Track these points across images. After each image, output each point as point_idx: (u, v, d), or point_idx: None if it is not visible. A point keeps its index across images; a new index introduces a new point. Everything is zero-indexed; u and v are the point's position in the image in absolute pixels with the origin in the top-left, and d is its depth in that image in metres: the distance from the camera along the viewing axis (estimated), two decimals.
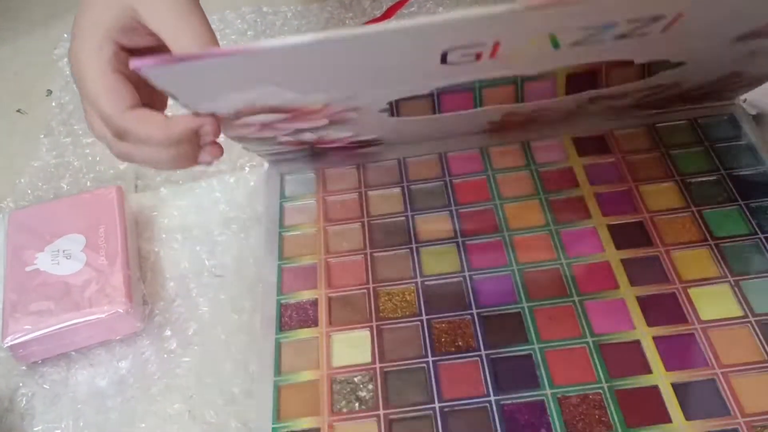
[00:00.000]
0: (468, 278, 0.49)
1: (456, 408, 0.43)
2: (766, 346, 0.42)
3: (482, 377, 0.44)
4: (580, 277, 0.48)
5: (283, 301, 0.50)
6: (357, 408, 0.43)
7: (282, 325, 0.48)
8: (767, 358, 0.42)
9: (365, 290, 0.49)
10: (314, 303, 0.49)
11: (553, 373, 0.43)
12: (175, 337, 0.49)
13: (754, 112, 0.57)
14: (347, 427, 0.43)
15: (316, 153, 0.58)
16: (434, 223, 0.53)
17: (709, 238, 0.49)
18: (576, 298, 0.47)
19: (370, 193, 0.56)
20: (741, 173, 0.52)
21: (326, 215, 0.55)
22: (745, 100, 0.58)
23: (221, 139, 0.44)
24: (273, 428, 0.43)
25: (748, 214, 0.50)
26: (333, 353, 0.46)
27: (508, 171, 0.56)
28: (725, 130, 0.56)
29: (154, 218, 0.58)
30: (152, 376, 0.48)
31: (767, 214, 0.49)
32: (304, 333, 0.48)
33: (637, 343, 0.44)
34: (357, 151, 0.57)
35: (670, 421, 0.40)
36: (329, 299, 0.49)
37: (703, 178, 0.53)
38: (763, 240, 0.48)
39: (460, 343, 0.46)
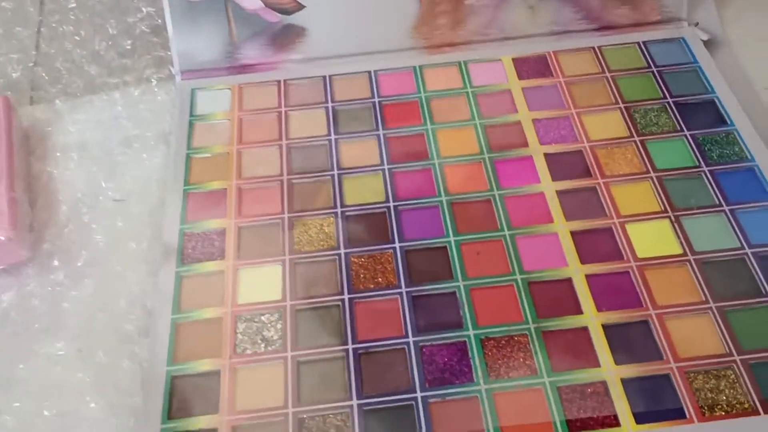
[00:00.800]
0: (393, 209, 0.45)
1: (371, 350, 0.39)
2: (704, 286, 0.40)
3: (401, 317, 0.40)
4: (513, 210, 0.44)
5: (186, 230, 0.45)
6: (262, 349, 0.39)
7: (184, 257, 0.43)
8: (704, 299, 0.39)
9: (279, 220, 0.45)
10: (221, 233, 0.44)
11: (477, 312, 0.40)
12: (63, 268, 0.44)
13: (705, 38, 0.53)
14: (251, 370, 0.39)
15: (234, 60, 0.52)
16: (359, 149, 0.49)
17: (650, 170, 0.45)
18: (507, 233, 0.43)
19: (290, 113, 0.51)
20: (689, 101, 0.49)
21: (240, 136, 0.49)
22: (697, 24, 0.54)
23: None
24: (168, 371, 0.38)
25: (693, 145, 0.46)
26: (239, 289, 0.42)
27: (442, 93, 0.51)
28: (674, 55, 0.52)
29: (48, 134, 0.52)
30: (36, 311, 0.43)
31: (713, 146, 0.46)
32: (209, 266, 0.43)
33: (569, 281, 0.41)
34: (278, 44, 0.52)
35: (598, 365, 0.37)
36: (238, 229, 0.44)
37: (649, 106, 0.49)
38: (707, 173, 0.45)
39: (380, 279, 0.42)
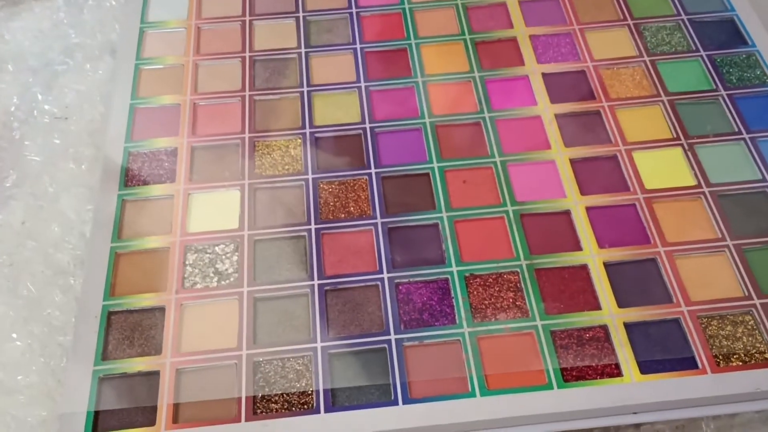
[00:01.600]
0: (369, 131, 0.39)
1: (339, 286, 0.34)
2: (720, 222, 0.35)
3: (375, 250, 0.35)
4: (505, 135, 0.39)
5: (132, 150, 0.39)
6: (215, 284, 0.34)
7: (128, 179, 0.38)
8: (720, 236, 0.35)
9: (239, 141, 0.39)
10: (172, 153, 0.39)
11: (462, 247, 0.35)
12: None
13: None
14: (200, 307, 0.33)
15: None
16: (333, 64, 0.43)
17: (662, 94, 0.40)
18: (498, 159, 0.38)
19: (256, 23, 0.45)
20: (705, 18, 0.43)
21: (197, 47, 0.43)
22: None
23: None
24: (104, 306, 0.33)
25: (710, 66, 0.41)
26: (190, 216, 0.36)
27: (428, 5, 0.45)
28: None
29: None
30: None
31: (732, 68, 0.41)
32: (156, 189, 0.37)
33: (567, 214, 0.36)
34: None
35: (599, 307, 0.33)
36: (192, 149, 0.39)
37: (660, 23, 0.43)
38: (725, 98, 0.40)
39: (352, 208, 0.36)
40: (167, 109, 0.41)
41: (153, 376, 0.31)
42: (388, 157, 0.38)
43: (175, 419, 0.30)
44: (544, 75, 0.41)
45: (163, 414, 0.30)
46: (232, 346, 0.32)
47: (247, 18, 0.45)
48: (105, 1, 0.47)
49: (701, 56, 0.41)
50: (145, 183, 0.38)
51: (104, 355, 0.32)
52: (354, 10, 0.45)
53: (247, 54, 0.43)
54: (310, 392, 0.31)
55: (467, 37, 0.43)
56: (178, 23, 0.45)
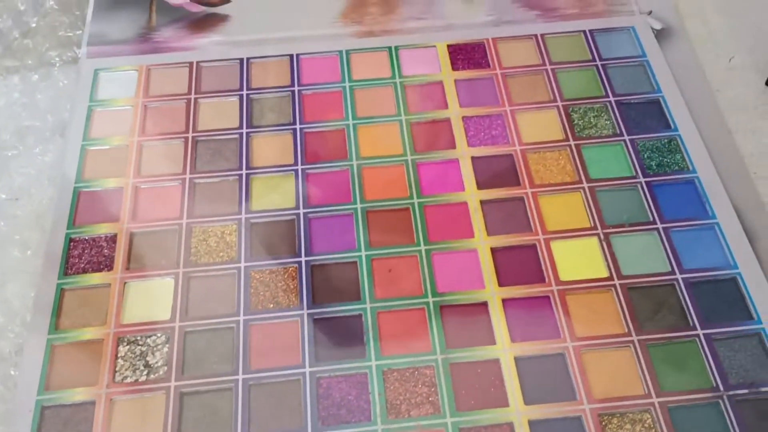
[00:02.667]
0: (302, 217, 0.41)
1: (264, 381, 0.35)
2: (628, 316, 0.37)
3: (300, 342, 0.37)
4: (432, 222, 0.40)
5: (73, 236, 0.40)
6: (144, 378, 0.36)
7: (68, 267, 0.39)
8: (627, 331, 0.36)
9: (177, 226, 0.41)
10: (112, 239, 0.40)
11: (383, 339, 0.36)
12: None
13: (658, 27, 0.49)
14: (129, 402, 0.35)
15: (145, 40, 0.47)
16: (273, 144, 0.44)
17: (583, 180, 0.42)
18: (423, 248, 0.39)
19: (201, 101, 0.46)
20: (632, 100, 0.45)
21: (143, 126, 0.45)
22: (650, 13, 0.49)
23: None
24: (37, 401, 0.35)
25: (632, 152, 0.43)
26: (125, 306, 0.38)
27: (368, 84, 0.47)
28: (622, 46, 0.48)
29: None
30: None
31: (653, 153, 0.42)
32: (95, 278, 0.39)
33: (484, 305, 0.37)
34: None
35: (506, 404, 0.34)
36: (131, 236, 0.40)
37: (589, 104, 0.45)
38: (644, 185, 0.41)
39: (280, 298, 0.38)
40: (110, 192, 0.42)
41: None
42: (319, 245, 0.40)
43: None
44: (473, 159, 0.43)
45: None
46: None
47: (193, 96, 0.46)
48: (59, 81, 0.48)
49: (624, 140, 0.43)
50: (84, 271, 0.39)
51: None
52: (296, 88, 0.47)
53: (191, 134, 0.45)
54: None
55: (403, 117, 0.45)
56: (126, 101, 0.46)
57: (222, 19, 0.50)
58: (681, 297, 0.37)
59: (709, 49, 0.49)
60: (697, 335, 0.36)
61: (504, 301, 0.37)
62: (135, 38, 0.49)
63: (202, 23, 0.50)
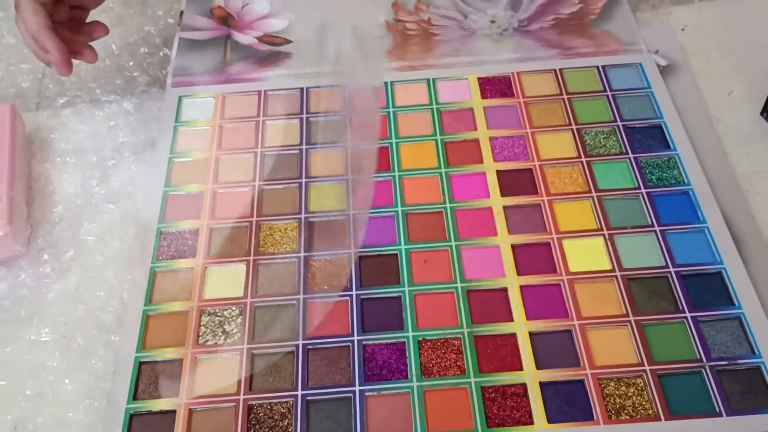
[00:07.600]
0: (351, 216, 0.49)
1: (319, 346, 0.43)
2: (626, 301, 0.43)
3: (349, 317, 0.44)
4: (462, 223, 0.48)
5: (163, 230, 0.49)
6: (222, 341, 0.43)
7: (159, 254, 0.48)
8: (625, 313, 0.43)
9: (248, 223, 0.49)
10: (195, 233, 0.49)
11: (418, 316, 0.44)
12: (51, 263, 0.49)
13: (664, 64, 0.56)
14: (210, 360, 0.43)
15: (221, 73, 0.56)
16: (328, 158, 0.52)
17: (593, 190, 0.49)
18: (453, 243, 0.47)
19: (267, 122, 0.55)
20: (637, 125, 0.52)
21: (220, 143, 0.54)
22: (656, 52, 0.57)
23: None
24: (136, 357, 0.43)
25: (635, 167, 0.49)
26: (206, 285, 0.46)
27: (409, 109, 0.55)
28: (630, 79, 0.55)
29: (50, 140, 0.56)
30: (24, 300, 0.47)
31: (654, 169, 0.49)
32: (181, 263, 0.47)
33: (504, 291, 0.44)
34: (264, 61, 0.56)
35: (521, 368, 0.41)
36: (210, 230, 0.49)
37: (599, 128, 0.52)
38: (645, 195, 0.48)
39: (334, 282, 0.46)
40: (193, 195, 0.51)
41: (170, 414, 0.41)
42: (366, 239, 0.48)
43: None
44: (498, 171, 0.50)
45: None
46: (233, 391, 0.41)
47: (261, 118, 0.55)
48: (150, 108, 0.57)
49: (629, 158, 0.50)
50: (172, 258, 0.47)
51: (135, 396, 0.42)
52: (347, 113, 0.55)
53: (259, 149, 0.53)
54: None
55: (438, 137, 0.53)
56: (205, 122, 0.55)
57: (285, 55, 0.59)
58: (673, 286, 0.44)
59: (712, 83, 0.56)
60: (686, 317, 0.42)
61: (521, 287, 0.44)
62: (213, 71, 0.58)
63: (269, 59, 0.59)
